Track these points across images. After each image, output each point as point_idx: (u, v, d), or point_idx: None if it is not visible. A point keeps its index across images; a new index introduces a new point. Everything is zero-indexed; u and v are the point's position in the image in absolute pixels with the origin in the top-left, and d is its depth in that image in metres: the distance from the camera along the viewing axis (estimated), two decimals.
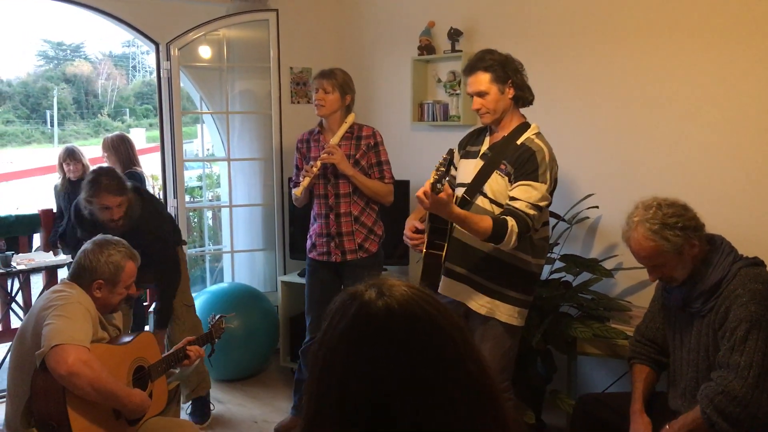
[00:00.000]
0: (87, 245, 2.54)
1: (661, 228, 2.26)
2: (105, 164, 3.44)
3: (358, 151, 3.42)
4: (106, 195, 3.13)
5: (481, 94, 2.66)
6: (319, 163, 3.34)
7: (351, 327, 0.97)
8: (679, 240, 2.26)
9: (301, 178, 3.44)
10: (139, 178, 4.62)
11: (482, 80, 2.65)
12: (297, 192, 3.39)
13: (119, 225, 3.18)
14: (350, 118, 3.44)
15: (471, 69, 2.69)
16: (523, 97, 2.70)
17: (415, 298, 0.99)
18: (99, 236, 2.63)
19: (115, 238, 2.61)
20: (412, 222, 2.77)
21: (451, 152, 2.36)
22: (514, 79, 2.65)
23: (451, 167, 2.48)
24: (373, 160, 3.46)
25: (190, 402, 3.79)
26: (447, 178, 2.26)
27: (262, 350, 4.38)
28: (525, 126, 2.70)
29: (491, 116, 2.69)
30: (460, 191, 2.71)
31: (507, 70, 2.64)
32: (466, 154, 2.84)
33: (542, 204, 2.55)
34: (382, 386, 0.92)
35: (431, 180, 2.22)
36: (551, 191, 2.63)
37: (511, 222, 2.44)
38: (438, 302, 1.02)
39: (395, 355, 0.93)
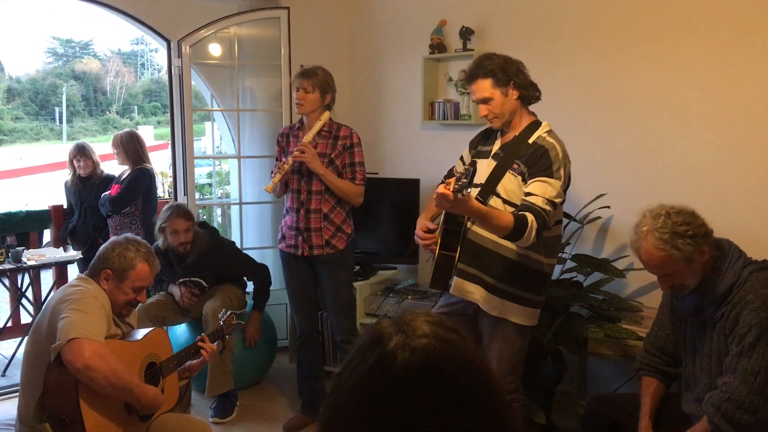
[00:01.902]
0: (116, 237, 2.58)
1: (671, 237, 2.23)
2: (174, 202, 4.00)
3: (334, 150, 3.46)
4: (176, 219, 3.75)
5: (486, 101, 2.65)
6: (290, 159, 3.41)
7: (366, 378, 0.92)
8: (689, 248, 2.23)
9: (272, 174, 3.52)
10: (148, 175, 4.63)
11: (484, 87, 2.63)
12: (268, 189, 3.48)
13: (186, 249, 3.81)
14: (324, 117, 3.48)
15: (471, 77, 2.68)
16: (529, 95, 2.67)
17: (440, 356, 0.92)
18: (129, 234, 2.64)
19: (143, 240, 2.61)
20: (423, 222, 2.76)
21: (474, 163, 2.33)
22: (516, 80, 2.62)
23: (474, 179, 2.45)
24: (347, 160, 3.50)
25: (215, 398, 3.80)
26: (469, 189, 2.22)
27: (270, 348, 4.38)
28: (536, 124, 2.68)
29: (500, 120, 2.68)
30: (473, 192, 2.69)
31: (507, 72, 2.61)
32: (478, 154, 2.82)
33: (557, 200, 2.53)
34: None
35: (452, 188, 2.19)
36: (565, 188, 2.61)
37: (531, 218, 2.41)
38: (467, 358, 0.94)
39: (405, 417, 0.88)
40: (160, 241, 3.85)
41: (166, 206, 3.91)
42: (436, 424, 0.88)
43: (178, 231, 3.76)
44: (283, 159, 3.49)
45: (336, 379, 0.97)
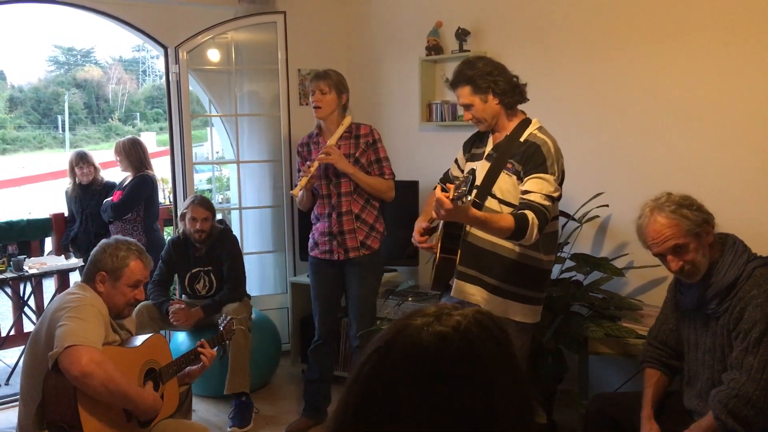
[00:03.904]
0: (105, 240, 2.59)
1: (678, 208, 2.28)
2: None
3: (358, 149, 3.46)
4: (196, 207, 3.94)
5: (467, 107, 2.68)
6: (316, 163, 3.38)
7: (384, 341, 0.92)
8: (698, 218, 2.27)
9: (298, 179, 3.50)
10: (150, 181, 4.63)
11: (464, 93, 2.67)
12: (294, 192, 3.46)
13: (201, 237, 3.95)
14: (347, 121, 3.48)
15: (453, 84, 2.71)
16: (510, 100, 2.66)
17: (470, 334, 0.90)
18: (118, 236, 2.65)
19: (132, 239, 2.63)
20: (420, 224, 2.78)
21: (472, 171, 2.33)
22: (494, 88, 2.63)
23: (474, 187, 2.45)
24: (372, 157, 3.49)
25: (233, 404, 3.78)
26: (469, 198, 2.22)
27: (275, 353, 4.39)
28: (526, 122, 2.69)
29: (484, 125, 2.71)
30: (471, 195, 2.69)
31: (487, 79, 2.62)
32: (472, 157, 2.83)
33: (555, 195, 2.54)
34: (388, 400, 0.88)
35: (450, 195, 2.18)
36: (560, 183, 2.62)
37: (531, 215, 2.41)
38: (500, 347, 0.92)
39: (411, 388, 0.88)
40: (179, 228, 4.08)
41: (190, 196, 4.21)
42: (433, 408, 0.86)
43: (196, 219, 3.93)
44: (308, 163, 3.46)
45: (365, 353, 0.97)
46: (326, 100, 3.42)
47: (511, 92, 2.66)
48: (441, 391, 0.87)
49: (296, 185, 3.48)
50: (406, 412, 0.86)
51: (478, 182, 2.68)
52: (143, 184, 4.59)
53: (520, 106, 2.73)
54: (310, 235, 3.63)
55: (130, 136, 4.92)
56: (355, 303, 3.56)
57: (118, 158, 4.70)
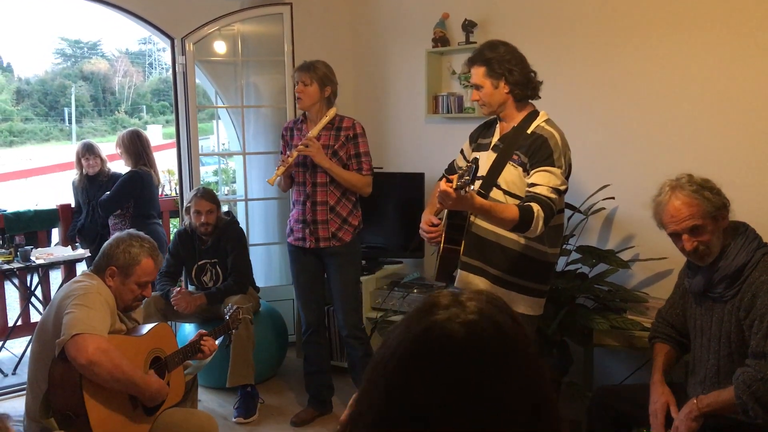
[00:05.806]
0: (119, 234, 2.59)
1: (699, 189, 2.29)
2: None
3: (337, 142, 3.47)
4: (199, 200, 3.92)
5: (477, 87, 2.69)
6: (294, 153, 3.42)
7: (411, 342, 0.93)
8: (717, 201, 2.28)
9: (276, 167, 3.53)
10: (139, 179, 4.51)
11: (478, 73, 2.67)
12: (270, 181, 3.51)
13: (207, 230, 3.95)
14: (331, 113, 3.49)
15: (471, 61, 2.72)
16: (521, 93, 2.66)
17: (487, 335, 0.92)
18: (132, 230, 2.66)
19: (146, 236, 2.63)
20: (428, 216, 2.79)
21: (476, 160, 2.33)
22: (508, 77, 2.63)
23: (476, 176, 2.45)
24: (351, 151, 3.50)
25: (239, 395, 3.79)
26: (473, 187, 2.21)
27: (281, 344, 4.40)
28: (534, 114, 2.69)
29: (487, 108, 2.72)
30: (475, 185, 2.69)
31: (504, 66, 2.63)
32: (478, 147, 2.83)
33: (562, 188, 2.55)
34: (420, 406, 0.89)
35: (453, 185, 2.18)
36: (567, 176, 2.62)
37: (536, 207, 2.42)
38: (516, 345, 0.94)
39: (441, 386, 0.89)
40: (185, 221, 4.07)
41: (194, 188, 4.18)
42: (474, 398, 0.88)
43: (201, 212, 3.92)
44: (288, 152, 3.50)
45: (384, 339, 0.98)
46: (308, 92, 3.44)
47: (524, 85, 2.66)
48: (476, 377, 0.89)
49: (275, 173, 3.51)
50: (440, 407, 0.88)
51: (483, 173, 2.68)
52: (130, 182, 4.53)
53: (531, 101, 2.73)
54: (288, 221, 3.68)
55: (131, 129, 4.89)
56: (337, 293, 3.60)
57: (119, 151, 4.68)
